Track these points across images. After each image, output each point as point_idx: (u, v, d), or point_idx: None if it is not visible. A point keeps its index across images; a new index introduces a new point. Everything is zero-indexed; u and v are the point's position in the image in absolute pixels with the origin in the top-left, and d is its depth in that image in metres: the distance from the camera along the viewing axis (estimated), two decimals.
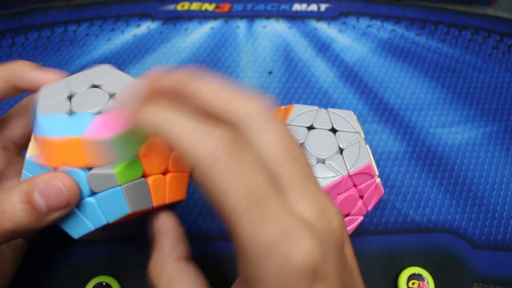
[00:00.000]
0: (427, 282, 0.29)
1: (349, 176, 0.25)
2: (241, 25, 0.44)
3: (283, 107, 0.29)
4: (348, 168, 0.25)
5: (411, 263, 0.30)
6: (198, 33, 0.43)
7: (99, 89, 0.21)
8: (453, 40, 0.44)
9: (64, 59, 0.41)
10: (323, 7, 0.46)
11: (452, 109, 0.39)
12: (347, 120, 0.27)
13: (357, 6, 0.46)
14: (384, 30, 0.44)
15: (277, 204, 0.14)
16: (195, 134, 0.15)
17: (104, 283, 0.28)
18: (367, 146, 0.28)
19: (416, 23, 0.45)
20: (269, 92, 0.39)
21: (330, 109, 0.27)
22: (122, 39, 0.43)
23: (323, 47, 0.43)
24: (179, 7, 0.45)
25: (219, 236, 0.32)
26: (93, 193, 0.19)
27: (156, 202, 0.21)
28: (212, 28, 0.44)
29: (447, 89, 0.40)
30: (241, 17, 0.45)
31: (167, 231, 0.20)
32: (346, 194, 0.25)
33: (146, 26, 0.44)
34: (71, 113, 0.20)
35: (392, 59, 0.42)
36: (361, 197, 0.26)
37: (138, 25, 0.44)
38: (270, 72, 0.41)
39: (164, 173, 0.21)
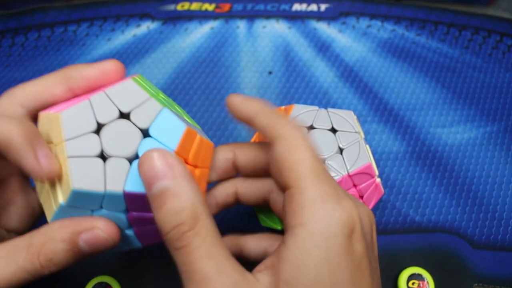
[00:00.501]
0: (427, 282, 0.29)
1: (349, 176, 0.25)
2: (241, 25, 0.44)
3: (283, 107, 0.29)
4: (348, 168, 0.25)
5: (411, 263, 0.30)
6: (198, 33, 0.43)
7: (128, 122, 0.19)
8: (453, 40, 0.44)
9: (64, 59, 0.41)
10: (323, 7, 0.46)
11: (452, 109, 0.39)
12: (347, 120, 0.27)
13: (357, 6, 0.46)
14: (384, 30, 0.44)
15: (330, 180, 0.19)
16: (283, 118, 0.21)
17: (104, 283, 0.28)
18: (367, 146, 0.28)
19: (416, 23, 0.45)
20: (269, 92, 0.39)
21: (330, 109, 0.27)
22: (122, 39, 0.43)
23: (323, 47, 0.43)
24: (179, 7, 0.45)
25: None
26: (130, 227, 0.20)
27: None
28: (212, 28, 0.44)
29: (447, 89, 0.40)
30: (241, 17, 0.45)
31: (193, 180, 0.21)
32: None
33: (146, 26, 0.44)
34: (103, 156, 0.19)
35: (392, 59, 0.42)
36: (361, 197, 0.26)
37: (138, 25, 0.44)
38: (270, 72, 0.41)
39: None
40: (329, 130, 0.26)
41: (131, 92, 0.20)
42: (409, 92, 0.40)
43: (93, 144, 0.18)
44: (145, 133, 0.19)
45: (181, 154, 0.19)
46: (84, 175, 0.18)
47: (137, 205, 0.19)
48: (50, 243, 0.18)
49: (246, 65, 0.41)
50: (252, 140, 0.31)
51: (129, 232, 0.21)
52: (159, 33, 0.43)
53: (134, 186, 0.18)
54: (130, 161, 0.19)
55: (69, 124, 0.18)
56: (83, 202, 0.18)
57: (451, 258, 0.31)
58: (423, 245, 0.32)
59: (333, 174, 0.24)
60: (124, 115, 0.20)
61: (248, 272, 0.18)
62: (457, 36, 0.44)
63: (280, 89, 0.39)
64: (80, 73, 0.21)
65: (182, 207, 0.17)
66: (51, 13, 0.44)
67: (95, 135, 0.19)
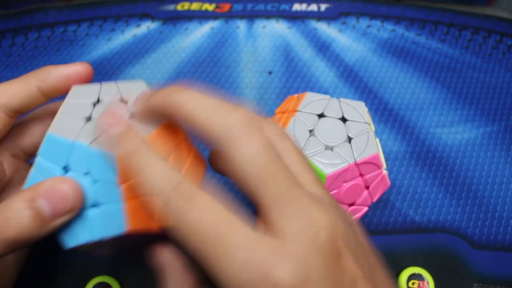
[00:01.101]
0: (427, 282, 0.29)
1: (356, 164, 0.25)
2: (241, 25, 0.44)
3: (295, 95, 0.30)
4: (355, 156, 0.25)
5: (411, 263, 0.30)
6: (198, 33, 0.43)
7: (123, 104, 0.21)
8: (453, 40, 0.44)
9: (64, 59, 0.41)
10: (323, 7, 0.46)
11: (452, 109, 0.39)
12: (357, 110, 0.27)
13: (357, 6, 0.46)
14: (384, 30, 0.44)
15: (235, 238, 0.14)
16: (215, 111, 0.17)
17: (104, 283, 0.28)
18: (377, 139, 0.28)
19: (416, 23, 0.45)
20: (269, 92, 0.39)
21: (342, 99, 0.28)
22: (122, 39, 0.43)
23: (323, 47, 0.43)
24: (179, 7, 0.45)
25: None
26: (94, 205, 0.19)
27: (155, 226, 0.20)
28: (212, 28, 0.44)
29: (447, 89, 0.40)
30: (241, 17, 0.45)
31: (171, 264, 0.19)
32: (352, 183, 0.26)
33: (146, 26, 0.44)
34: (89, 119, 0.20)
35: (392, 59, 0.42)
36: (367, 187, 0.26)
37: (138, 25, 0.44)
38: (270, 72, 0.41)
39: None
40: (339, 119, 0.27)
41: (138, 86, 0.22)
42: (409, 92, 0.40)
43: (85, 110, 0.20)
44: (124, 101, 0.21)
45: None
46: (63, 126, 0.19)
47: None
48: (9, 203, 0.17)
49: (246, 65, 0.41)
50: (277, 110, 0.30)
51: (93, 212, 0.19)
52: (159, 33, 0.43)
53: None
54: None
55: (75, 92, 0.21)
56: (54, 155, 0.19)
57: (451, 258, 0.31)
58: (423, 245, 0.32)
59: (339, 162, 0.25)
60: (124, 100, 0.21)
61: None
62: (457, 36, 0.44)
63: (280, 89, 0.39)
64: (50, 73, 0.21)
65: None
66: (51, 13, 0.44)
67: (90, 105, 0.20)
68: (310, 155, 0.25)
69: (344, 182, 0.25)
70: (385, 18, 0.45)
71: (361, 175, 0.26)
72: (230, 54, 0.42)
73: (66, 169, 0.19)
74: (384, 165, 0.27)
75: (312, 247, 0.15)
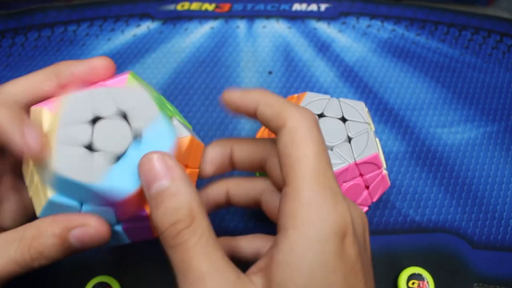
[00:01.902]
0: (427, 282, 0.29)
1: (356, 164, 0.25)
2: (241, 25, 0.44)
3: (295, 94, 0.30)
4: (355, 156, 0.25)
5: (411, 263, 0.30)
6: (198, 33, 0.43)
7: (124, 123, 0.20)
8: (453, 40, 0.44)
9: (64, 59, 0.41)
10: (323, 7, 0.46)
11: (452, 109, 0.39)
12: (357, 110, 0.27)
13: (357, 6, 0.46)
14: (384, 30, 0.44)
15: (332, 180, 0.19)
16: (289, 105, 0.20)
17: (104, 283, 0.28)
18: (377, 139, 0.28)
19: (416, 23, 0.45)
20: None
21: (341, 99, 0.28)
22: (122, 39, 0.43)
23: (323, 47, 0.43)
24: (179, 7, 0.45)
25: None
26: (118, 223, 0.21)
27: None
28: (212, 28, 0.44)
29: (447, 89, 0.40)
30: (241, 17, 0.45)
31: (191, 182, 0.20)
32: (352, 183, 0.26)
33: (146, 26, 0.44)
34: (91, 147, 0.19)
35: (392, 59, 0.42)
36: (367, 187, 0.26)
37: (138, 25, 0.44)
38: (270, 72, 0.41)
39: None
40: (339, 119, 0.27)
41: (133, 91, 0.20)
42: (409, 92, 0.40)
43: (84, 134, 0.19)
44: (138, 134, 0.20)
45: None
46: (68, 161, 0.18)
47: (127, 204, 0.19)
48: (41, 237, 0.19)
49: (246, 65, 0.41)
50: (257, 135, 0.31)
51: (118, 228, 0.21)
52: (159, 33, 0.43)
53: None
54: (117, 158, 0.19)
55: (67, 111, 0.19)
56: (69, 193, 0.19)
57: (451, 258, 0.31)
58: (423, 245, 0.32)
59: (339, 161, 0.25)
60: (122, 113, 0.20)
61: (242, 273, 0.18)
62: (457, 36, 0.44)
63: (280, 89, 0.39)
64: (70, 69, 0.21)
65: (180, 206, 0.17)
66: (51, 13, 0.44)
67: (89, 126, 0.19)
68: None
69: (344, 182, 0.25)
70: (385, 18, 0.45)
71: (361, 175, 0.26)
72: (230, 54, 0.42)
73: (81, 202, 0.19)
74: (384, 165, 0.27)
75: (357, 213, 0.20)
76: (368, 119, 0.27)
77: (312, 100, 0.27)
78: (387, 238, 0.32)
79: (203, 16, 0.44)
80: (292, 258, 0.17)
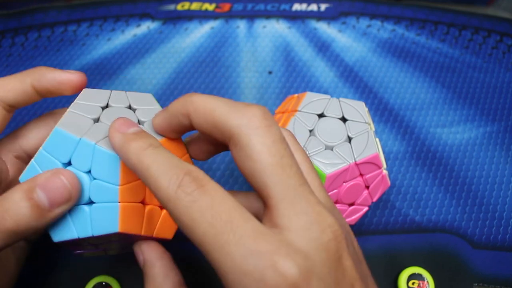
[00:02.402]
0: (427, 282, 0.29)
1: (356, 164, 0.25)
2: (241, 25, 0.44)
3: (296, 95, 0.30)
4: (355, 156, 0.25)
5: (411, 263, 0.30)
6: (198, 33, 0.43)
7: (131, 111, 0.22)
8: (453, 40, 0.44)
9: (64, 59, 0.41)
10: (323, 7, 0.46)
11: (452, 109, 0.39)
12: (357, 110, 0.27)
13: (357, 6, 0.46)
14: (384, 30, 0.44)
15: (244, 227, 0.14)
16: (231, 109, 0.16)
17: (104, 283, 0.28)
18: (377, 139, 0.28)
19: (416, 23, 0.45)
20: (269, 92, 0.39)
21: (342, 99, 0.28)
22: (122, 39, 0.43)
23: (323, 47, 0.43)
24: (179, 7, 0.45)
25: None
26: (89, 202, 0.19)
27: (145, 231, 0.20)
28: (212, 28, 0.44)
29: (447, 89, 0.40)
30: (241, 17, 0.45)
31: (155, 261, 0.20)
32: (352, 183, 0.26)
33: (146, 26, 0.44)
34: (97, 120, 0.21)
35: (392, 59, 0.42)
36: (367, 187, 0.26)
37: (138, 25, 0.44)
38: (270, 72, 0.41)
39: (161, 207, 0.22)
40: (340, 119, 0.27)
41: (146, 98, 0.23)
42: (409, 92, 0.40)
43: (93, 112, 0.21)
44: (141, 122, 0.21)
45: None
46: (71, 123, 0.19)
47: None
48: (10, 192, 0.18)
49: (246, 65, 0.41)
50: (278, 110, 0.31)
51: (85, 209, 0.19)
52: (159, 33, 0.43)
53: None
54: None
55: (86, 95, 0.21)
56: (58, 150, 0.19)
57: (451, 258, 0.31)
58: (423, 245, 0.32)
59: (339, 162, 0.25)
60: (132, 108, 0.22)
61: None
62: (457, 36, 0.44)
63: (280, 89, 0.39)
64: (45, 74, 0.22)
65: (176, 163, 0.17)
66: (51, 13, 0.44)
67: (99, 108, 0.21)
68: (310, 155, 0.25)
69: (344, 182, 0.25)
70: (385, 18, 0.45)
71: (361, 175, 0.26)
72: (230, 54, 0.42)
73: (66, 164, 0.19)
74: (384, 165, 0.27)
75: (318, 243, 0.15)
76: (368, 119, 0.27)
77: (312, 100, 0.27)
78: (387, 238, 0.32)
79: (203, 16, 0.44)
80: None
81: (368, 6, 0.46)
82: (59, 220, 0.19)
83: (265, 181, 0.16)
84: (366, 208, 0.27)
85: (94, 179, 0.19)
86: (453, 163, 0.35)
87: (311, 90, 0.39)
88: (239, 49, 0.42)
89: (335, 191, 0.25)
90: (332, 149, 0.25)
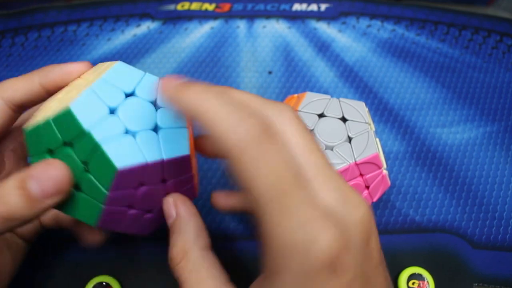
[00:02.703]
0: (427, 282, 0.29)
1: (356, 164, 0.25)
2: (241, 25, 0.44)
3: (296, 95, 0.30)
4: (356, 156, 0.25)
5: (411, 263, 0.30)
6: (198, 33, 0.43)
7: (139, 98, 0.20)
8: (453, 40, 0.44)
9: (64, 59, 0.41)
10: (323, 7, 0.46)
11: (452, 109, 0.39)
12: (358, 110, 0.27)
13: (357, 6, 0.46)
14: (384, 30, 0.44)
15: (301, 195, 0.15)
16: (229, 120, 0.15)
17: (104, 283, 0.28)
18: (377, 139, 0.28)
19: (416, 23, 0.45)
20: (269, 92, 0.39)
21: (342, 99, 0.28)
22: (122, 39, 0.43)
23: (323, 47, 0.43)
24: (179, 7, 0.45)
25: (223, 235, 0.32)
26: (155, 129, 0.20)
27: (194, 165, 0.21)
28: (212, 28, 0.44)
29: (447, 89, 0.40)
30: (241, 17, 0.45)
31: (190, 218, 0.20)
32: (352, 183, 0.26)
33: (146, 26, 0.44)
34: (113, 112, 0.19)
35: (392, 59, 0.42)
36: (367, 187, 0.26)
37: (138, 25, 0.44)
38: (270, 72, 0.41)
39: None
40: (340, 119, 0.27)
41: (126, 72, 0.20)
42: (409, 92, 0.40)
43: (114, 99, 0.19)
44: (154, 105, 0.20)
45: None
46: (122, 154, 0.18)
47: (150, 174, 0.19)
48: (5, 195, 0.18)
49: (246, 65, 0.41)
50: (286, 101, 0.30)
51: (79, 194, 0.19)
52: (159, 33, 0.43)
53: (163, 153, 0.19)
54: (156, 131, 0.19)
55: (116, 70, 0.19)
56: (122, 79, 0.19)
57: (451, 258, 0.31)
58: (423, 245, 0.32)
59: (340, 161, 0.25)
60: (129, 95, 0.20)
61: None
62: (457, 36, 0.44)
63: (280, 89, 0.39)
64: (52, 69, 0.22)
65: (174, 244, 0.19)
66: (51, 13, 0.44)
67: (122, 95, 0.19)
68: None
69: None
70: (385, 18, 0.45)
71: (361, 175, 0.26)
72: (230, 54, 0.42)
73: (129, 95, 0.19)
74: (384, 165, 0.27)
75: (353, 219, 0.16)
76: (369, 119, 0.27)
77: (312, 100, 0.27)
78: (387, 238, 0.32)
79: (203, 16, 0.44)
80: None
81: (368, 6, 0.46)
82: (122, 146, 0.18)
83: (301, 162, 0.16)
84: None
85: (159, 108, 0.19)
86: (453, 163, 0.35)
87: (311, 90, 0.39)
88: (239, 49, 0.42)
89: None
90: (332, 149, 0.25)
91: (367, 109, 0.28)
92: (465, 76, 0.41)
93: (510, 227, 0.33)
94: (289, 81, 0.40)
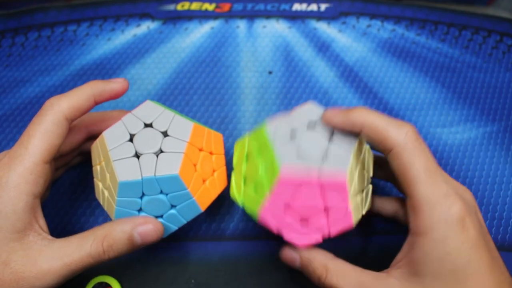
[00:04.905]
0: None
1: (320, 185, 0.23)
2: (241, 25, 0.44)
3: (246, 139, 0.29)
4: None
5: None
6: (198, 33, 0.43)
7: (152, 128, 0.26)
8: (453, 40, 0.44)
9: (64, 59, 0.41)
10: (323, 7, 0.46)
11: (452, 109, 0.39)
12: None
13: (357, 6, 0.46)
14: (384, 30, 0.44)
15: (441, 177, 0.23)
16: (391, 126, 0.23)
17: (104, 283, 0.28)
18: (367, 146, 0.27)
19: (416, 23, 0.45)
20: (269, 92, 0.39)
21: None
22: (122, 39, 0.43)
23: (323, 47, 0.43)
24: (179, 7, 0.45)
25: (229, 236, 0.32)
26: (172, 206, 0.26)
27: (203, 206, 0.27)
28: (212, 28, 0.44)
29: (447, 89, 0.40)
30: (241, 17, 0.45)
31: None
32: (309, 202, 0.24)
33: (146, 26, 0.44)
34: (137, 155, 0.25)
35: (392, 59, 0.42)
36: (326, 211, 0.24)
37: (138, 25, 0.44)
38: (270, 72, 0.41)
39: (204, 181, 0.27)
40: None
41: (150, 109, 0.27)
42: (409, 92, 0.40)
43: (129, 149, 0.25)
44: (165, 134, 0.26)
45: (195, 144, 0.26)
46: (125, 170, 0.24)
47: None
48: (112, 233, 0.24)
49: (246, 65, 0.41)
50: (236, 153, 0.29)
51: (172, 211, 0.26)
52: (159, 33, 0.43)
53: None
54: (157, 155, 0.25)
55: (110, 139, 0.25)
56: (130, 192, 0.24)
57: None
58: None
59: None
60: (148, 125, 0.26)
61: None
62: (457, 36, 0.44)
63: (280, 89, 0.39)
64: (105, 88, 0.27)
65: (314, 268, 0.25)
66: (51, 13, 0.44)
67: (130, 143, 0.25)
68: None
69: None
70: (385, 18, 0.45)
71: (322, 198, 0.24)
72: (230, 54, 0.42)
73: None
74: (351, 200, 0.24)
75: (466, 197, 0.24)
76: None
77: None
78: (387, 238, 0.32)
79: (203, 16, 0.44)
80: (422, 256, 0.22)
81: (368, 6, 0.46)
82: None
83: (417, 187, 0.22)
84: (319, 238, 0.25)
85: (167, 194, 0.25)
86: (453, 163, 0.35)
87: (311, 90, 0.39)
88: (239, 49, 0.42)
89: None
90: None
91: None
92: (465, 76, 0.41)
93: (510, 227, 0.33)
94: (289, 81, 0.40)
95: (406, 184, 0.23)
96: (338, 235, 0.25)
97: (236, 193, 0.27)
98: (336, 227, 0.25)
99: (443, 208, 0.22)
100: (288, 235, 0.25)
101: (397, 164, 0.23)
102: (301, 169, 0.23)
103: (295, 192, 0.24)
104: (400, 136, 0.23)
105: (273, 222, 0.25)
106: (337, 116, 0.24)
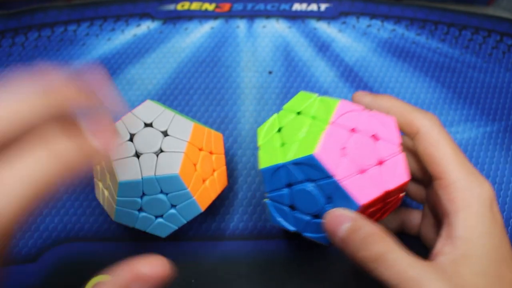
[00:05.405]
0: None
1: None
2: (241, 25, 0.44)
3: (316, 95, 0.26)
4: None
5: None
6: (198, 33, 0.43)
7: (152, 128, 0.26)
8: (453, 40, 0.44)
9: (64, 59, 0.41)
10: (323, 7, 0.46)
11: (452, 109, 0.39)
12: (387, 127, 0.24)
13: (357, 6, 0.46)
14: (384, 30, 0.44)
15: (469, 162, 0.23)
16: (416, 112, 0.25)
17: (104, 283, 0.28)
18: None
19: (416, 23, 0.45)
20: (269, 92, 0.39)
21: (372, 112, 0.24)
22: (122, 38, 0.43)
23: (323, 47, 0.43)
24: (179, 7, 0.45)
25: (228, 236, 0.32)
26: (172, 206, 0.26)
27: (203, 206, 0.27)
28: (212, 28, 0.44)
29: (447, 89, 0.40)
30: (241, 17, 0.45)
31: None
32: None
33: (146, 26, 0.44)
34: (137, 155, 0.25)
35: (392, 59, 0.42)
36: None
37: (138, 25, 0.44)
38: (270, 72, 0.41)
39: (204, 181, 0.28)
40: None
41: (150, 108, 0.27)
42: (409, 92, 0.40)
43: (129, 148, 0.25)
44: (165, 134, 0.26)
45: (195, 143, 0.26)
46: (125, 170, 0.24)
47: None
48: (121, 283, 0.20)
49: (246, 65, 0.41)
50: (287, 106, 0.27)
51: (172, 211, 0.26)
52: (159, 33, 0.43)
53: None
54: (157, 155, 0.25)
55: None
56: (130, 192, 0.25)
57: None
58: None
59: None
60: (148, 125, 0.26)
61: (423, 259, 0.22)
62: (457, 36, 0.44)
63: (280, 89, 0.39)
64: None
65: (369, 233, 0.22)
66: (51, 13, 0.44)
67: (130, 142, 0.25)
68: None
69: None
70: (385, 18, 0.45)
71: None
72: (230, 54, 0.42)
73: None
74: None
75: (484, 204, 0.23)
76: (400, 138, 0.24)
77: (346, 111, 0.24)
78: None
79: (203, 16, 0.44)
80: (466, 232, 0.22)
81: (368, 6, 0.46)
82: (160, 225, 0.26)
83: (445, 166, 0.23)
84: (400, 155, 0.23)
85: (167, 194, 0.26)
86: None
87: (311, 90, 0.39)
88: (239, 49, 0.42)
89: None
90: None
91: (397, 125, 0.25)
92: (465, 76, 0.41)
93: (510, 227, 0.33)
94: (289, 81, 0.40)
95: (435, 164, 0.23)
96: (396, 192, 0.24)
97: (272, 156, 0.24)
98: (393, 181, 0.23)
99: (475, 185, 0.22)
100: (346, 182, 0.21)
101: (424, 146, 0.24)
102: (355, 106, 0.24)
103: (349, 136, 0.22)
104: (425, 119, 0.24)
105: (330, 162, 0.21)
106: (366, 97, 0.26)
